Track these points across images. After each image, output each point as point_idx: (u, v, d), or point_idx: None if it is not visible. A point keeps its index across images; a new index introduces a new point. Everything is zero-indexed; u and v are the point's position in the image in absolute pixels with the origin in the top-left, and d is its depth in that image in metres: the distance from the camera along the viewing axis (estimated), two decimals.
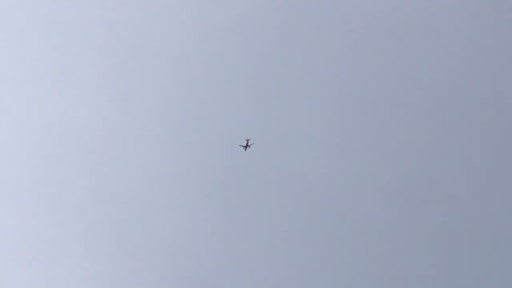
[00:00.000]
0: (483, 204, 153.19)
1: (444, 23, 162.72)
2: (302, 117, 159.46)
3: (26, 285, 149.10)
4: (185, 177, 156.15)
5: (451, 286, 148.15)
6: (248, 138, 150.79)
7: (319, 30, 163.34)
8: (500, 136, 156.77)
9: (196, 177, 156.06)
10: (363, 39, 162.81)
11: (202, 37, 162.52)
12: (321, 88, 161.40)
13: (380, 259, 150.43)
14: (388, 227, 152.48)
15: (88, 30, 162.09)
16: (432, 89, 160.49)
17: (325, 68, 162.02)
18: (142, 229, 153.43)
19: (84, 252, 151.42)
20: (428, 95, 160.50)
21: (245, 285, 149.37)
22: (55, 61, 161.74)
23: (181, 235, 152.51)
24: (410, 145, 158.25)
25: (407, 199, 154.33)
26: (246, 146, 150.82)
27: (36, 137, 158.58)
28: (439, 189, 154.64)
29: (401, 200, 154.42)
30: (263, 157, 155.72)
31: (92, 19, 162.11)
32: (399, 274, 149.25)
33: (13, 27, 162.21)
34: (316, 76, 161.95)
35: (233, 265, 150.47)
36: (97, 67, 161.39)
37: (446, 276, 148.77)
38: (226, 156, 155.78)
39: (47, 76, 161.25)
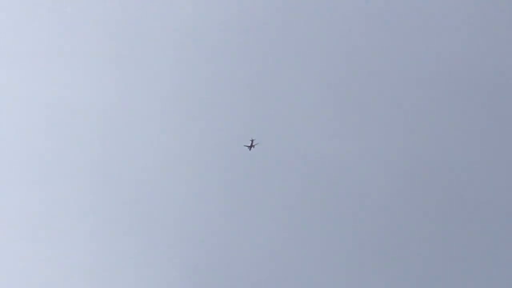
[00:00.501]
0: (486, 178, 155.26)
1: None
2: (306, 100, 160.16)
3: (34, 262, 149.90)
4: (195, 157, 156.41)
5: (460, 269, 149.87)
6: (253, 139, 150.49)
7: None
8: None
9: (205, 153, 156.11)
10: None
11: (206, 32, 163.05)
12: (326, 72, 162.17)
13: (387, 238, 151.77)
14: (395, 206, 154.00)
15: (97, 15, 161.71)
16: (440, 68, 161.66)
17: (331, 48, 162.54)
18: (153, 206, 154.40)
19: (91, 230, 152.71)
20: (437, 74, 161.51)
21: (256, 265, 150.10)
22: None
23: (190, 209, 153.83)
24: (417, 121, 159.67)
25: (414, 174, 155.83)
26: (251, 146, 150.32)
27: (47, 115, 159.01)
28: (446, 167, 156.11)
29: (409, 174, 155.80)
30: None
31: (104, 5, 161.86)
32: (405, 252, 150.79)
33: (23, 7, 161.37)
34: (321, 56, 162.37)
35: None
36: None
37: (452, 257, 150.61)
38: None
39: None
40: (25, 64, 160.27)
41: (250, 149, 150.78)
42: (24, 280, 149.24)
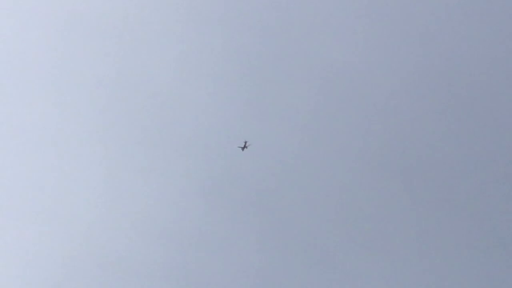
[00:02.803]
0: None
1: None
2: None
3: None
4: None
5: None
6: (246, 140, 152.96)
7: None
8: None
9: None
10: None
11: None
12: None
13: None
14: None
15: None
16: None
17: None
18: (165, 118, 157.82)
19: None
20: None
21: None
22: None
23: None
24: None
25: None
26: (244, 147, 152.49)
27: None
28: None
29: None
30: None
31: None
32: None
33: None
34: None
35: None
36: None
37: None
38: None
39: None
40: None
41: (243, 150, 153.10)
42: (38, 196, 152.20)
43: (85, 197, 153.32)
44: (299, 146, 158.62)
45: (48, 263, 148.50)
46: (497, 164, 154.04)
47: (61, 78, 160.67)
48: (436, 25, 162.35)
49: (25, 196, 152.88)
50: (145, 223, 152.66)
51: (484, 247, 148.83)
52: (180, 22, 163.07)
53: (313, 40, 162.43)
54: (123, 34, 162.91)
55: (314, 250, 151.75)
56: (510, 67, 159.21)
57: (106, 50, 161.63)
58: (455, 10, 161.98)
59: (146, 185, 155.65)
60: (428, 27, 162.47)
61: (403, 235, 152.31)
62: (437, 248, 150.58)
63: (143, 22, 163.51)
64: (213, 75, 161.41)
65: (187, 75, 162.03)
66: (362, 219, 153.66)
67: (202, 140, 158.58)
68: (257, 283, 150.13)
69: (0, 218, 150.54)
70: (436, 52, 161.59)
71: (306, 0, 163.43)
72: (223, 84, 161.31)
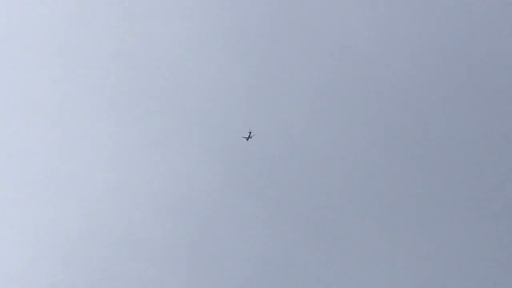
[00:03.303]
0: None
1: None
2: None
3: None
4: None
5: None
6: (250, 131, 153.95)
7: None
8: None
9: None
10: None
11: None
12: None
13: None
14: None
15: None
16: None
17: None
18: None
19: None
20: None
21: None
22: None
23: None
24: None
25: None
26: (248, 138, 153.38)
27: None
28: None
29: None
30: None
31: None
32: None
33: None
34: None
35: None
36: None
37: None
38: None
39: None
40: None
41: (247, 140, 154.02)
42: (49, 168, 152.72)
43: (96, 169, 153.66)
44: (309, 119, 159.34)
45: (59, 236, 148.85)
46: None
47: (74, 46, 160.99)
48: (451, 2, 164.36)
49: (37, 170, 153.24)
50: (155, 196, 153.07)
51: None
52: None
53: (324, 14, 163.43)
54: (134, 4, 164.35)
55: (322, 224, 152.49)
56: None
57: (123, 19, 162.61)
58: None
59: (157, 158, 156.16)
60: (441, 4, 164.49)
61: (409, 205, 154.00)
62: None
63: None
64: (224, 47, 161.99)
65: (199, 47, 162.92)
66: (369, 193, 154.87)
67: (213, 113, 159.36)
68: (265, 256, 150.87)
69: (12, 192, 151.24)
70: (448, 26, 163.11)
71: None
72: (235, 56, 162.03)
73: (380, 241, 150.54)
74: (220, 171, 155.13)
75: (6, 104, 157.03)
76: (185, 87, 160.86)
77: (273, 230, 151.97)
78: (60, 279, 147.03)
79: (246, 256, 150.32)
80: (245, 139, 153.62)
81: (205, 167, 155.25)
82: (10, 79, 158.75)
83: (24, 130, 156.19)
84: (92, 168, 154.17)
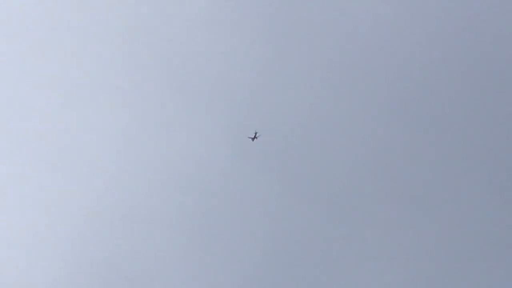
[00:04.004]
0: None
1: None
2: None
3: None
4: None
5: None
6: (256, 131, 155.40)
7: None
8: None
9: None
10: None
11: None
12: None
13: None
14: None
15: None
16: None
17: None
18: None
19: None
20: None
21: None
22: None
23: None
24: None
25: None
26: (254, 138, 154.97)
27: None
28: None
29: None
30: None
31: None
32: None
33: None
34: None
35: None
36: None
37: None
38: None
39: None
40: None
41: (253, 140, 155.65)
42: (59, 147, 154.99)
43: (107, 149, 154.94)
44: (322, 94, 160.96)
45: (71, 213, 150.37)
46: None
47: (83, 23, 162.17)
48: None
49: (46, 148, 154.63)
50: (166, 174, 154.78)
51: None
52: None
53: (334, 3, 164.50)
54: None
55: (334, 200, 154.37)
56: None
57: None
58: None
59: (167, 136, 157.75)
60: None
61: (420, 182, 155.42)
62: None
63: None
64: (237, 26, 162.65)
65: (211, 24, 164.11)
66: (380, 170, 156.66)
67: (224, 92, 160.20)
68: (275, 231, 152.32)
69: (26, 164, 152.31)
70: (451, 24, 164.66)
71: None
72: (247, 36, 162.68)
73: (391, 212, 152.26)
74: (232, 148, 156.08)
75: (15, 80, 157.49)
76: (196, 64, 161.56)
77: (284, 205, 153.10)
78: (72, 253, 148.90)
79: (257, 231, 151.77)
80: (250, 139, 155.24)
81: (217, 143, 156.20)
82: (20, 60, 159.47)
83: (37, 107, 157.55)
84: (105, 144, 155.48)
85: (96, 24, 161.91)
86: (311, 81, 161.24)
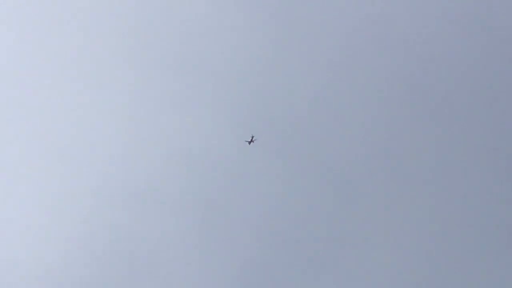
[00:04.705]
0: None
1: None
2: None
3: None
4: None
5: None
6: (253, 135, 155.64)
7: None
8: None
9: None
10: None
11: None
12: None
13: None
14: None
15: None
16: None
17: None
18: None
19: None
20: None
21: None
22: None
23: None
24: None
25: None
26: (251, 142, 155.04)
27: None
28: None
29: None
30: None
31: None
32: None
33: None
34: None
35: None
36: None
37: None
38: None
39: None
40: None
41: (249, 144, 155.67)
42: (64, 126, 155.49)
43: (112, 127, 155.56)
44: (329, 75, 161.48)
45: (78, 190, 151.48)
46: None
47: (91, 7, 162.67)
48: None
49: (51, 127, 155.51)
50: (171, 153, 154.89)
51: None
52: None
53: None
54: None
55: (340, 183, 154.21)
56: None
57: None
58: None
59: (173, 115, 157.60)
60: None
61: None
62: None
63: None
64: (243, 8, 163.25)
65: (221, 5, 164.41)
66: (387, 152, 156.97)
67: (230, 72, 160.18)
68: (280, 213, 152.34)
69: (32, 147, 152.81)
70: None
71: None
72: (254, 18, 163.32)
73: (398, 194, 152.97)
74: (236, 128, 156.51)
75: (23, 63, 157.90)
76: (201, 45, 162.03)
77: (290, 187, 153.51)
78: (78, 232, 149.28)
79: (261, 212, 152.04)
80: (247, 143, 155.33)
81: (221, 124, 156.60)
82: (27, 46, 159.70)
83: (45, 85, 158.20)
84: (109, 125, 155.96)
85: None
86: (316, 65, 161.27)
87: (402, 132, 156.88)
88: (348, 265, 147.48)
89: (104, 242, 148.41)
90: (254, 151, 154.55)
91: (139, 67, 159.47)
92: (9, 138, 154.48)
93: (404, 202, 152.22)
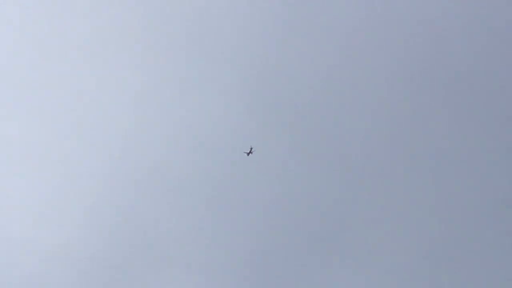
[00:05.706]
0: None
1: None
2: None
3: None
4: None
5: None
6: (252, 147, 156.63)
7: None
8: None
9: None
10: None
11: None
12: None
13: None
14: None
15: None
16: None
17: None
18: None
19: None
20: None
21: None
22: None
23: None
24: None
25: None
26: (249, 153, 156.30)
27: None
28: None
29: None
30: None
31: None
32: None
33: None
34: None
35: None
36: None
37: None
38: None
39: None
40: None
41: (248, 155, 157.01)
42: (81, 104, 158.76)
43: (124, 111, 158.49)
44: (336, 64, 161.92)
45: (89, 172, 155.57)
46: None
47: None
48: None
49: (60, 108, 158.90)
50: (178, 138, 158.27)
51: None
52: None
53: None
54: None
55: (352, 172, 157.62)
56: None
57: None
58: None
59: (183, 97, 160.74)
60: None
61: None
62: None
63: None
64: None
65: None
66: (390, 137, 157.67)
67: (238, 52, 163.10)
68: (286, 194, 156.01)
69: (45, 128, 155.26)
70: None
71: None
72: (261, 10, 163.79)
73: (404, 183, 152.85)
74: (245, 110, 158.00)
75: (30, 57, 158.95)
76: (209, 24, 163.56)
77: (296, 168, 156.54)
78: (90, 213, 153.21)
79: (267, 197, 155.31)
80: (246, 154, 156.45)
81: (231, 104, 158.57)
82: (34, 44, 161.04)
83: (52, 65, 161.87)
84: (121, 109, 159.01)
85: None
86: (327, 44, 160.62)
87: (407, 127, 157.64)
88: (351, 259, 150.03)
89: (111, 224, 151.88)
90: (261, 141, 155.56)
91: (148, 51, 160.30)
92: (21, 122, 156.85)
93: (404, 202, 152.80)
